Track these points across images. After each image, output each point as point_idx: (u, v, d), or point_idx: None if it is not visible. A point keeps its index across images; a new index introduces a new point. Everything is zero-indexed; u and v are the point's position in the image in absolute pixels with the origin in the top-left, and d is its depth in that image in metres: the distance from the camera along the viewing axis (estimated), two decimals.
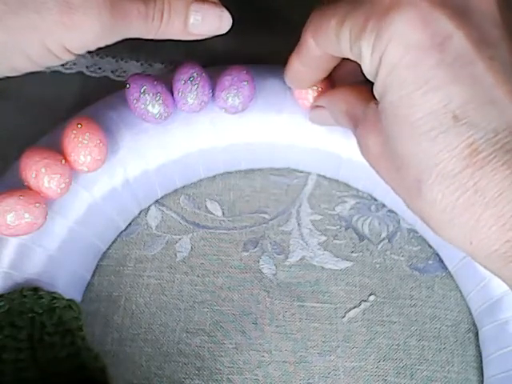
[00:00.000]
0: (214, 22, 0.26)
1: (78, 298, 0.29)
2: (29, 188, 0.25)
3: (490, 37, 0.21)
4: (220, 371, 0.29)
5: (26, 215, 0.25)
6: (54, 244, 0.27)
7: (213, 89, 0.29)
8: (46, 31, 0.22)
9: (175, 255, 0.32)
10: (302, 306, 0.31)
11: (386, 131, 0.22)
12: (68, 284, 0.28)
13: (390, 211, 0.34)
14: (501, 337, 0.28)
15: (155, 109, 0.28)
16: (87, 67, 0.37)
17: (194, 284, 0.31)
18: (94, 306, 0.30)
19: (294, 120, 0.31)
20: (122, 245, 0.32)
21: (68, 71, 0.37)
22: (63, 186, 0.26)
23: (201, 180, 0.34)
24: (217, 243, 0.32)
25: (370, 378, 0.29)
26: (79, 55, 0.24)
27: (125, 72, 0.37)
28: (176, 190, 0.34)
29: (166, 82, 0.28)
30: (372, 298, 0.31)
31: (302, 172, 0.35)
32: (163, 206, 0.33)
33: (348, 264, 0.32)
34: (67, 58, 0.24)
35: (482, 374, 0.30)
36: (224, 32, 0.26)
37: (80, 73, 0.37)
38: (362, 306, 0.31)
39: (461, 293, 0.32)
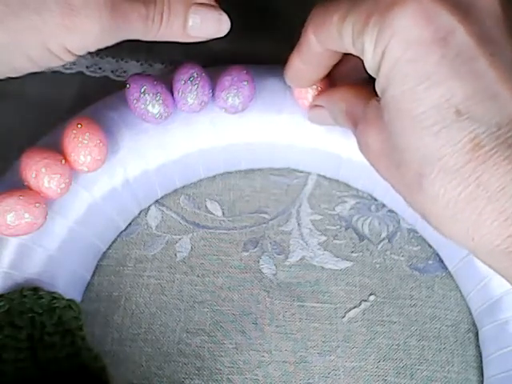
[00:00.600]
0: (212, 25, 0.26)
1: (77, 297, 0.29)
2: (29, 188, 0.25)
3: (492, 33, 0.21)
4: (220, 371, 0.29)
5: (26, 215, 0.25)
6: (54, 244, 0.27)
7: (213, 89, 0.29)
8: (48, 33, 0.23)
9: (175, 255, 0.32)
10: (302, 306, 0.31)
11: (388, 126, 0.22)
12: (68, 284, 0.28)
13: (390, 211, 0.34)
14: (501, 337, 0.28)
15: (155, 109, 0.28)
16: (87, 67, 0.37)
17: (193, 284, 0.31)
18: (93, 306, 0.30)
19: (294, 120, 0.31)
20: (121, 245, 0.32)
21: (68, 71, 0.37)
22: (63, 186, 0.26)
23: (201, 180, 0.34)
24: (217, 243, 0.32)
25: (369, 378, 0.29)
26: (80, 55, 0.25)
27: (125, 72, 0.37)
28: (176, 190, 0.34)
29: (166, 82, 0.28)
30: (372, 298, 0.31)
31: (302, 172, 0.35)
32: (163, 205, 0.33)
33: (348, 264, 0.32)
34: (68, 59, 0.24)
35: (482, 374, 0.29)
36: (223, 35, 0.26)
37: (80, 73, 0.37)
38: (362, 305, 0.31)
39: (461, 293, 0.32)
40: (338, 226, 0.33)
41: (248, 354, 0.29)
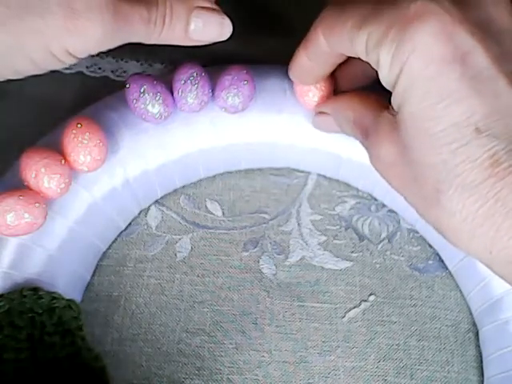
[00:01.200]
0: (214, 29, 0.26)
1: (77, 297, 0.29)
2: (29, 188, 0.25)
3: (510, 52, 0.21)
4: (220, 371, 0.29)
5: (26, 215, 0.25)
6: (54, 244, 0.27)
7: (213, 88, 0.29)
8: (50, 36, 0.23)
9: (175, 255, 0.32)
10: (302, 306, 0.31)
11: (404, 141, 0.22)
12: (68, 284, 0.28)
13: (390, 211, 0.34)
14: (501, 337, 0.28)
15: (155, 109, 0.28)
16: (87, 67, 0.37)
17: (194, 284, 0.31)
18: (93, 306, 0.30)
19: (294, 120, 0.31)
20: (121, 245, 0.32)
21: (68, 71, 0.37)
22: (63, 185, 0.26)
23: (201, 180, 0.34)
24: (217, 243, 0.32)
25: (369, 378, 0.29)
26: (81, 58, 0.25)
27: (125, 72, 0.37)
28: (176, 190, 0.34)
29: (166, 81, 0.28)
30: (372, 298, 0.31)
31: (302, 172, 0.35)
32: (163, 205, 0.33)
33: (348, 264, 0.32)
34: (70, 61, 0.24)
35: (482, 374, 0.29)
36: (224, 39, 0.26)
37: (80, 73, 0.37)
38: (362, 305, 0.31)
39: (461, 293, 0.32)
40: (338, 226, 0.33)
41: (248, 354, 0.29)
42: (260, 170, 0.35)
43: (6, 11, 0.22)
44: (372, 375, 0.29)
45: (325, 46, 0.25)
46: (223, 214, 0.33)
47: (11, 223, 0.24)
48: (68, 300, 0.26)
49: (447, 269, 0.32)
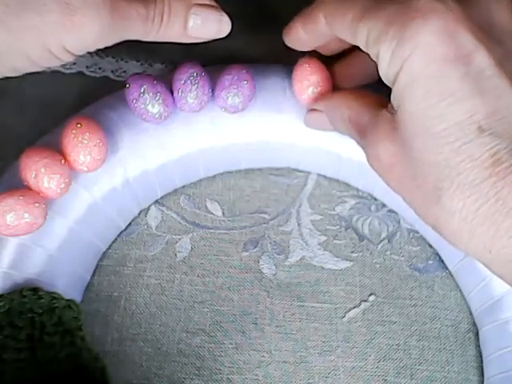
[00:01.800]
0: (213, 26, 0.26)
1: (77, 298, 0.29)
2: (28, 188, 0.25)
3: None
4: (220, 371, 0.29)
5: (26, 215, 0.25)
6: (54, 244, 0.27)
7: (213, 88, 0.29)
8: (47, 32, 0.23)
9: (175, 255, 0.32)
10: (302, 306, 0.31)
11: (404, 140, 0.22)
12: (68, 284, 0.28)
13: (390, 211, 0.34)
14: (501, 337, 0.28)
15: (155, 108, 0.28)
16: (87, 67, 0.37)
17: (194, 284, 0.31)
18: (93, 306, 0.30)
19: (294, 120, 0.31)
20: (121, 245, 0.32)
21: (68, 71, 0.37)
22: (63, 185, 0.26)
23: (201, 180, 0.34)
24: (217, 243, 0.32)
25: (369, 378, 0.29)
26: (79, 55, 0.25)
27: (125, 72, 0.37)
28: (176, 190, 0.34)
29: (166, 81, 0.28)
30: (372, 297, 0.31)
31: (302, 172, 0.35)
32: (163, 205, 0.33)
33: (348, 264, 0.32)
34: (67, 58, 0.24)
35: (482, 374, 0.29)
36: (223, 36, 0.26)
37: (80, 73, 0.37)
38: (362, 305, 0.31)
39: (461, 293, 0.32)
40: (338, 226, 0.33)
41: (248, 354, 0.29)
42: (260, 170, 0.35)
43: (5, 9, 0.22)
44: (372, 375, 0.29)
45: (324, 27, 0.25)
46: (223, 213, 0.33)
47: (11, 223, 0.24)
48: (68, 300, 0.26)
49: (447, 269, 0.32)
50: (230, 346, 0.30)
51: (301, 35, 0.27)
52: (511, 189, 0.20)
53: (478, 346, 0.30)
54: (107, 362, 0.25)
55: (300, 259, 0.32)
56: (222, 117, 0.30)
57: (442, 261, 0.32)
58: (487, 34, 0.21)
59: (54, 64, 0.24)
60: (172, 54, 0.37)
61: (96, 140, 0.26)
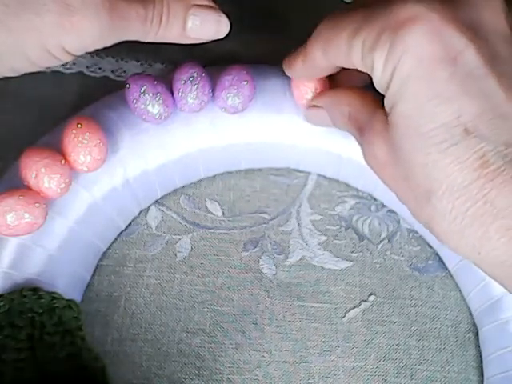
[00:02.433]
0: (212, 27, 0.26)
1: (77, 297, 0.29)
2: (29, 188, 0.25)
3: (501, 53, 0.21)
4: (220, 371, 0.29)
5: (26, 215, 0.25)
6: (54, 244, 0.27)
7: (213, 89, 0.29)
8: (46, 33, 0.23)
9: (175, 255, 0.32)
10: (302, 306, 0.31)
11: (395, 141, 0.22)
12: (68, 284, 0.28)
13: (390, 211, 0.34)
14: (501, 337, 0.28)
15: (155, 109, 0.28)
16: (87, 67, 0.37)
17: (194, 284, 0.31)
18: (93, 306, 0.30)
19: (294, 120, 0.31)
20: (121, 245, 0.32)
21: (68, 71, 0.37)
22: (63, 185, 0.26)
23: (201, 180, 0.34)
24: (217, 243, 0.32)
25: (370, 378, 0.29)
26: (79, 55, 0.25)
27: (125, 72, 0.37)
28: (176, 190, 0.34)
29: (166, 82, 0.28)
30: (372, 297, 0.31)
31: (302, 172, 0.35)
32: (163, 205, 0.33)
33: (348, 264, 0.32)
34: (66, 59, 0.24)
35: (482, 374, 0.29)
36: (222, 37, 0.26)
37: (80, 73, 0.37)
38: (362, 305, 0.31)
39: (461, 293, 0.32)
40: (338, 226, 0.33)
41: (248, 354, 0.29)
42: (260, 170, 0.35)
43: (4, 9, 0.22)
44: (372, 375, 0.29)
45: (322, 59, 0.25)
46: (223, 213, 0.33)
47: (11, 223, 0.24)
48: (68, 300, 0.26)
49: (447, 269, 0.32)
50: (230, 346, 0.30)
51: (300, 70, 0.27)
52: (499, 191, 0.20)
53: (477, 346, 0.30)
54: (107, 361, 0.25)
55: (300, 259, 0.32)
56: (222, 117, 0.30)
57: (442, 261, 0.32)
58: (476, 34, 0.21)
59: (53, 64, 0.24)
60: (172, 54, 0.37)
61: (96, 140, 0.26)
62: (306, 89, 0.29)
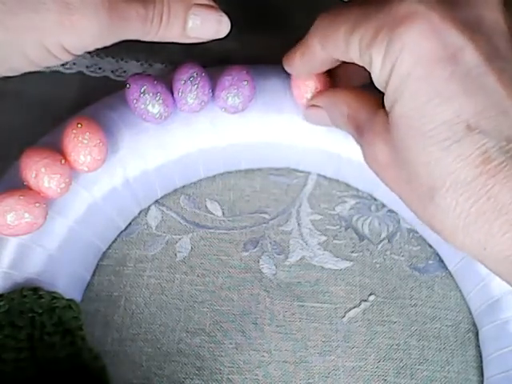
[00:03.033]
0: (212, 27, 0.26)
1: (77, 297, 0.29)
2: (29, 188, 0.25)
3: (500, 50, 0.21)
4: (220, 371, 0.29)
5: (26, 215, 0.25)
6: (54, 244, 0.27)
7: (213, 89, 0.29)
8: (45, 32, 0.23)
9: (175, 255, 0.32)
10: (302, 306, 0.31)
11: (397, 141, 0.22)
12: (68, 284, 0.28)
13: (390, 211, 0.34)
14: (501, 337, 0.28)
15: (155, 109, 0.28)
16: (87, 67, 0.37)
17: (194, 284, 0.31)
18: (93, 306, 0.30)
19: (294, 120, 0.31)
20: (121, 245, 0.32)
21: (68, 71, 0.37)
22: (63, 185, 0.26)
23: (201, 180, 0.34)
24: (217, 243, 0.32)
25: (369, 378, 0.29)
26: (79, 55, 0.25)
27: (125, 72, 0.37)
28: (176, 190, 0.34)
29: (166, 81, 0.28)
30: (372, 297, 0.31)
31: (302, 172, 0.35)
32: (163, 205, 0.33)
33: (348, 264, 0.32)
34: (66, 58, 0.24)
35: (482, 374, 0.30)
36: (222, 36, 0.26)
37: (80, 73, 0.37)
38: (362, 305, 0.31)
39: (461, 293, 0.32)
40: (338, 226, 0.33)
41: (248, 354, 0.29)
42: (260, 170, 0.35)
43: (2, 7, 0.22)
44: (372, 375, 0.29)
45: (321, 53, 0.25)
46: (223, 214, 0.33)
47: (11, 223, 0.24)
48: (68, 300, 0.26)
49: (447, 269, 0.32)
50: (230, 346, 0.30)
51: (299, 65, 0.27)
52: (502, 186, 0.20)
53: (478, 346, 0.30)
54: (107, 361, 0.25)
55: (300, 259, 0.32)
56: (222, 117, 0.30)
57: (442, 261, 0.32)
58: (475, 32, 0.21)
59: (53, 63, 0.24)
60: (172, 54, 0.37)
61: (96, 140, 0.26)
62: (306, 88, 0.29)
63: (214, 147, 0.31)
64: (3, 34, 0.22)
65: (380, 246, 0.33)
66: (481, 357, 0.30)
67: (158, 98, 0.27)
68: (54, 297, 0.26)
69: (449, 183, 0.21)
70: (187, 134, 0.30)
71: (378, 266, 0.32)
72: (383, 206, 0.34)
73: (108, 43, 0.24)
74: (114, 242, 0.32)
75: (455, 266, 0.31)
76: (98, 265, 0.31)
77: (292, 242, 0.33)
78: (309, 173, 0.35)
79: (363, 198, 0.34)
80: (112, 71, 0.37)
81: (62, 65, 0.37)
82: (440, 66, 0.20)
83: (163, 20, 0.25)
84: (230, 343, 0.30)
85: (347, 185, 0.34)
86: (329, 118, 0.28)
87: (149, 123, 0.29)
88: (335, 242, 0.33)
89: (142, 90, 0.27)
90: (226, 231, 0.33)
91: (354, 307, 0.31)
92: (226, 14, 0.26)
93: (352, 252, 0.33)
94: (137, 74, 0.28)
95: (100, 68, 0.37)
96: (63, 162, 0.26)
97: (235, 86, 0.28)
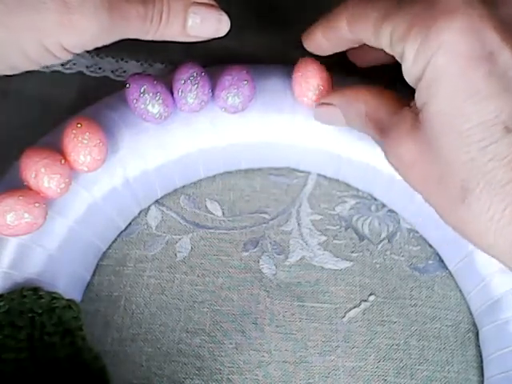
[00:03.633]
0: (212, 25, 0.26)
1: (77, 297, 0.29)
2: (29, 188, 0.25)
3: None
4: (220, 371, 0.29)
5: (26, 215, 0.25)
6: (54, 244, 0.27)
7: (213, 88, 0.29)
8: (45, 31, 0.23)
9: (175, 255, 0.32)
10: (302, 306, 0.31)
11: (430, 139, 0.22)
12: (68, 284, 0.28)
13: (390, 211, 0.34)
14: (501, 337, 0.28)
15: (155, 108, 0.28)
16: (87, 67, 0.37)
17: (194, 284, 0.31)
18: (93, 306, 0.30)
19: (294, 120, 0.31)
20: (122, 245, 0.32)
21: (68, 71, 0.37)
22: (63, 185, 0.26)
23: (201, 180, 0.34)
24: (217, 243, 0.32)
25: (369, 378, 0.29)
26: (79, 55, 0.25)
27: (125, 72, 0.37)
28: (176, 190, 0.34)
29: (166, 81, 0.28)
30: (372, 297, 0.31)
31: (302, 172, 0.35)
32: (163, 205, 0.33)
33: (348, 264, 0.32)
34: (65, 57, 0.24)
35: (482, 374, 0.29)
36: (222, 35, 0.26)
37: (80, 73, 0.37)
38: (362, 305, 0.31)
39: (461, 293, 0.32)
40: (338, 226, 0.33)
41: (248, 354, 0.29)
42: (260, 169, 0.35)
43: (2, 7, 0.22)
44: (372, 375, 0.29)
45: (346, 32, 0.25)
46: (223, 213, 0.33)
47: (11, 223, 0.24)
48: (68, 300, 0.26)
49: (447, 269, 0.32)
50: (230, 346, 0.30)
51: (321, 41, 0.27)
52: None
53: (478, 346, 0.30)
54: (107, 362, 0.25)
55: (300, 259, 0.32)
56: (222, 117, 0.30)
57: (442, 261, 0.32)
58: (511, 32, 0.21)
59: (52, 62, 0.24)
60: (172, 54, 0.37)
61: (96, 140, 0.26)
62: (307, 86, 0.29)
63: (214, 147, 0.31)
64: (3, 33, 0.22)
65: (380, 245, 0.33)
66: (481, 357, 0.30)
67: (157, 98, 0.27)
68: (54, 297, 0.26)
69: (483, 184, 0.20)
70: (187, 134, 0.30)
71: (378, 266, 0.32)
72: (383, 205, 0.34)
73: (108, 42, 0.24)
74: (114, 242, 0.32)
75: (455, 266, 0.31)
76: (97, 265, 0.31)
77: (292, 242, 0.33)
78: (309, 173, 0.35)
79: (363, 197, 0.34)
80: (112, 71, 0.37)
81: (62, 65, 0.37)
82: (478, 65, 0.20)
83: (163, 19, 0.25)
84: (230, 343, 0.30)
85: (347, 185, 0.34)
86: (343, 117, 0.27)
87: (149, 123, 0.29)
88: (335, 242, 0.33)
89: (141, 90, 0.27)
90: (225, 231, 0.33)
91: (354, 307, 0.31)
92: (226, 12, 0.26)
93: (352, 252, 0.33)
94: (137, 73, 0.28)
95: (100, 68, 0.37)
96: (63, 162, 0.26)
97: (235, 85, 0.28)
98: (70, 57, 0.24)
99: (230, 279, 0.31)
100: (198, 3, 0.25)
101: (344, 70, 0.32)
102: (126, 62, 0.37)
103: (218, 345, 0.30)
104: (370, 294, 0.31)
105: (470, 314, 0.31)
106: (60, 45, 0.23)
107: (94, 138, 0.26)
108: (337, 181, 0.34)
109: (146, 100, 0.27)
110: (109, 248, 0.32)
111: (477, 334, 0.30)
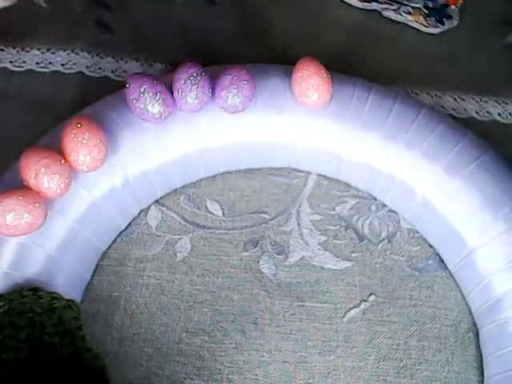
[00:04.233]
0: None
1: (77, 297, 0.29)
2: (29, 188, 0.25)
3: None
4: (220, 371, 0.29)
5: (26, 215, 0.25)
6: (54, 244, 0.27)
7: (213, 88, 0.29)
8: None
9: (175, 255, 0.32)
10: (302, 306, 0.31)
11: None
12: (68, 284, 0.28)
13: (390, 211, 0.34)
14: (501, 337, 0.28)
15: (155, 108, 0.28)
16: (87, 67, 0.37)
17: (194, 284, 0.31)
18: (93, 306, 0.30)
19: (294, 120, 0.31)
20: (122, 245, 0.32)
21: (68, 71, 0.37)
22: (63, 185, 0.26)
23: (201, 180, 0.34)
24: (217, 243, 0.32)
25: (369, 378, 0.29)
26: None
27: (125, 72, 0.37)
28: (176, 190, 0.34)
29: (166, 81, 0.28)
30: (372, 298, 0.31)
31: (302, 172, 0.35)
32: (163, 205, 0.33)
33: (348, 264, 0.32)
34: None
35: (482, 374, 0.29)
36: None
37: (80, 73, 0.37)
38: (362, 305, 0.31)
39: (461, 293, 0.32)
40: (338, 226, 0.33)
41: (248, 354, 0.29)
42: (260, 170, 0.35)
43: None
44: (372, 375, 0.29)
45: None
46: (223, 213, 0.33)
47: (11, 223, 0.24)
48: (68, 300, 0.26)
49: (447, 269, 0.32)
50: (230, 346, 0.30)
51: None
52: None
53: (478, 346, 0.30)
54: (107, 362, 0.25)
55: (300, 259, 0.32)
56: (222, 117, 0.30)
57: (442, 261, 0.32)
58: None
59: None
60: (172, 54, 0.37)
61: (96, 140, 0.26)
62: (307, 85, 0.29)
63: (214, 147, 0.31)
64: None
65: (380, 246, 0.33)
66: (481, 357, 0.30)
67: (157, 98, 0.27)
68: (54, 297, 0.26)
69: None
70: (187, 134, 0.30)
71: (377, 266, 0.32)
72: (383, 205, 0.34)
73: None
74: (114, 242, 0.32)
75: (455, 266, 0.31)
76: (97, 265, 0.31)
77: (292, 242, 0.33)
78: (309, 173, 0.35)
79: (363, 198, 0.34)
80: (112, 71, 0.37)
81: (62, 65, 0.37)
82: None
83: None
84: (230, 343, 0.30)
85: (347, 185, 0.34)
86: None
87: (149, 123, 0.29)
88: (335, 242, 0.33)
89: (141, 90, 0.27)
90: (225, 231, 0.33)
91: (354, 307, 0.31)
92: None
93: (352, 252, 0.33)
94: (137, 73, 0.28)
95: (100, 68, 0.37)
96: (63, 162, 0.26)
97: (235, 85, 0.28)
98: None
99: (230, 279, 0.31)
100: None
101: (344, 70, 0.32)
102: (126, 62, 0.37)
103: (218, 345, 0.30)
104: (370, 294, 0.31)
105: (470, 313, 0.31)
106: None
107: (94, 137, 0.26)
108: (337, 181, 0.34)
109: (146, 100, 0.27)
110: (109, 248, 0.32)
111: (477, 334, 0.30)
